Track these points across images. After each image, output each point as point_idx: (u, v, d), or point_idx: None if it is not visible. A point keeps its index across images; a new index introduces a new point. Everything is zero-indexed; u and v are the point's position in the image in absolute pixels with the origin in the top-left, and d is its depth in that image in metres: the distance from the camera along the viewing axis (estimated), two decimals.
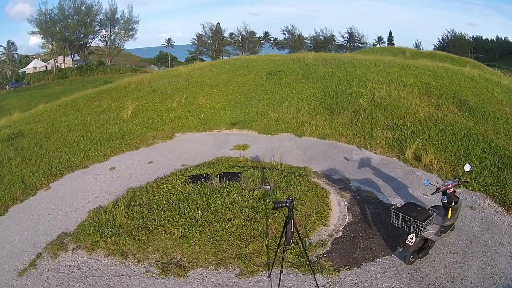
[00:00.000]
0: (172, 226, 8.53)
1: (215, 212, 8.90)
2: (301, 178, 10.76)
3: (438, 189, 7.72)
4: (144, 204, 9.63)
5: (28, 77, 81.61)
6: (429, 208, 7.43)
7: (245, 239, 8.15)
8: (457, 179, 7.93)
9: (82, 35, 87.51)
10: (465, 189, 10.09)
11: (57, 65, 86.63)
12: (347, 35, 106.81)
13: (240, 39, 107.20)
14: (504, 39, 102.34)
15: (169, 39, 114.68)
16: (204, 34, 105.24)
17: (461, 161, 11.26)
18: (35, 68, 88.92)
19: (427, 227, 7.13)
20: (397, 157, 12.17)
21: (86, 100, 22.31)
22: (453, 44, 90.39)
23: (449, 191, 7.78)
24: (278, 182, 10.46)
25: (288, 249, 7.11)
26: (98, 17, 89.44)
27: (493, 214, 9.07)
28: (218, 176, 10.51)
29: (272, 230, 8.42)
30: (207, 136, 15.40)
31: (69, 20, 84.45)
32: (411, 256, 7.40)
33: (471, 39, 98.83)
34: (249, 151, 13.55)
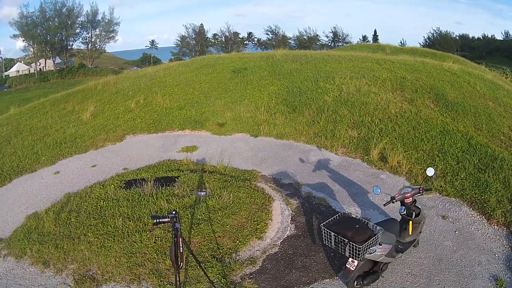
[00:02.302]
0: (93, 235, 7.64)
1: (137, 221, 7.90)
2: (243, 183, 9.11)
3: (393, 198, 6.05)
4: (74, 211, 8.75)
5: (10, 80, 79.60)
6: (373, 225, 5.64)
7: (163, 253, 7.01)
8: (418, 186, 6.28)
9: (63, 38, 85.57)
10: (438, 194, 8.40)
11: (39, 68, 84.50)
12: (331, 34, 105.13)
13: (223, 40, 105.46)
14: (491, 36, 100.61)
15: (153, 41, 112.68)
16: (187, 35, 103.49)
17: (435, 161, 9.61)
18: (18, 71, 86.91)
19: (373, 248, 5.34)
20: (361, 158, 10.47)
21: (53, 102, 21.18)
22: (439, 42, 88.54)
23: (407, 200, 6.13)
24: (215, 187, 8.96)
25: (179, 273, 5.31)
26: (79, 19, 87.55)
27: (470, 225, 7.38)
28: (153, 181, 9.42)
29: (195, 243, 7.14)
30: (157, 138, 13.89)
31: (50, 23, 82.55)
32: (355, 282, 5.64)
33: (457, 37, 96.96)
34: (196, 153, 11.95)
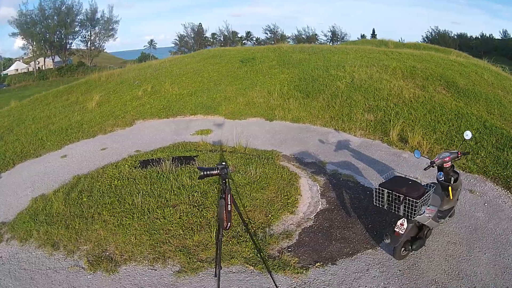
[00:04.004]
0: (109, 214, 7.23)
1: (157, 197, 7.57)
2: (266, 160, 9.11)
3: (432, 162, 6.00)
4: (85, 190, 8.32)
5: (9, 78, 78.64)
6: (425, 185, 5.69)
7: (190, 228, 6.66)
8: (456, 151, 6.25)
9: (62, 36, 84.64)
10: (461, 171, 8.48)
11: (38, 67, 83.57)
12: (330, 33, 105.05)
13: (222, 39, 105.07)
14: (489, 36, 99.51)
15: (151, 41, 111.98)
16: (186, 35, 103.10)
17: (454, 142, 9.71)
18: (17, 70, 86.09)
19: (422, 208, 5.39)
20: (381, 139, 10.53)
21: (56, 94, 21.12)
22: (437, 41, 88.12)
23: (446, 165, 6.07)
24: (238, 164, 8.90)
25: (223, 237, 5.20)
26: (78, 17, 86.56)
27: (497, 198, 7.46)
28: (171, 160, 9.12)
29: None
30: (168, 123, 13.79)
31: (49, 21, 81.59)
32: (403, 249, 5.68)
33: (455, 36, 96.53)
34: (211, 135, 11.92)
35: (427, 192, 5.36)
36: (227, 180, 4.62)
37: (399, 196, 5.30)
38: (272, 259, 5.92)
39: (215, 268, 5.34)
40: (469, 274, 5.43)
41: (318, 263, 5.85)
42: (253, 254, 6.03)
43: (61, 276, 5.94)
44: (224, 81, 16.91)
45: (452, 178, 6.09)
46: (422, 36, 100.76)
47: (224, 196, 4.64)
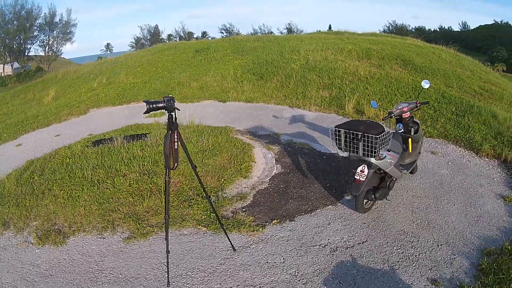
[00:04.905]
0: (59, 188, 6.95)
1: (108, 169, 7.35)
2: (219, 133, 8.75)
3: (390, 113, 5.70)
4: (37, 171, 8.07)
5: None
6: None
7: (139, 195, 6.43)
8: (414, 101, 5.99)
9: (21, 41, 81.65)
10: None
11: None
12: (286, 31, 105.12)
13: (177, 40, 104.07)
14: (448, 28, 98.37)
15: (108, 44, 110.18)
16: (142, 37, 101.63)
17: (413, 111, 9.35)
18: None
19: (382, 150, 4.93)
20: (336, 112, 10.24)
21: (14, 94, 21.31)
22: (395, 34, 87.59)
23: (405, 115, 5.81)
24: (190, 137, 8.56)
25: (170, 179, 4.51)
26: (37, 22, 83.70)
27: (461, 158, 7.21)
28: (123, 137, 8.98)
29: (176, 183, 6.61)
30: (122, 109, 13.43)
31: (9, 26, 78.59)
32: (365, 200, 5.28)
33: (413, 30, 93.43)
34: (164, 117, 11.08)
35: (386, 132, 4.90)
36: (174, 114, 4.21)
37: (357, 135, 4.87)
38: (226, 219, 5.59)
39: (166, 231, 4.75)
40: (440, 223, 5.14)
41: (275, 220, 5.50)
42: (205, 216, 5.73)
43: (10, 253, 5.63)
44: (178, 69, 16.58)
45: (412, 130, 5.81)
46: (379, 30, 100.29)
47: (170, 132, 4.22)
